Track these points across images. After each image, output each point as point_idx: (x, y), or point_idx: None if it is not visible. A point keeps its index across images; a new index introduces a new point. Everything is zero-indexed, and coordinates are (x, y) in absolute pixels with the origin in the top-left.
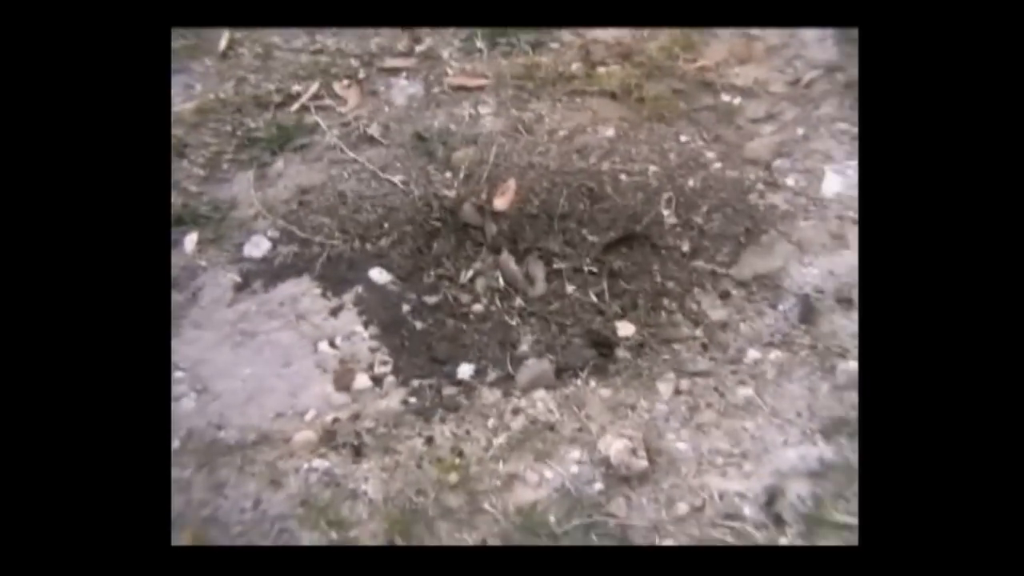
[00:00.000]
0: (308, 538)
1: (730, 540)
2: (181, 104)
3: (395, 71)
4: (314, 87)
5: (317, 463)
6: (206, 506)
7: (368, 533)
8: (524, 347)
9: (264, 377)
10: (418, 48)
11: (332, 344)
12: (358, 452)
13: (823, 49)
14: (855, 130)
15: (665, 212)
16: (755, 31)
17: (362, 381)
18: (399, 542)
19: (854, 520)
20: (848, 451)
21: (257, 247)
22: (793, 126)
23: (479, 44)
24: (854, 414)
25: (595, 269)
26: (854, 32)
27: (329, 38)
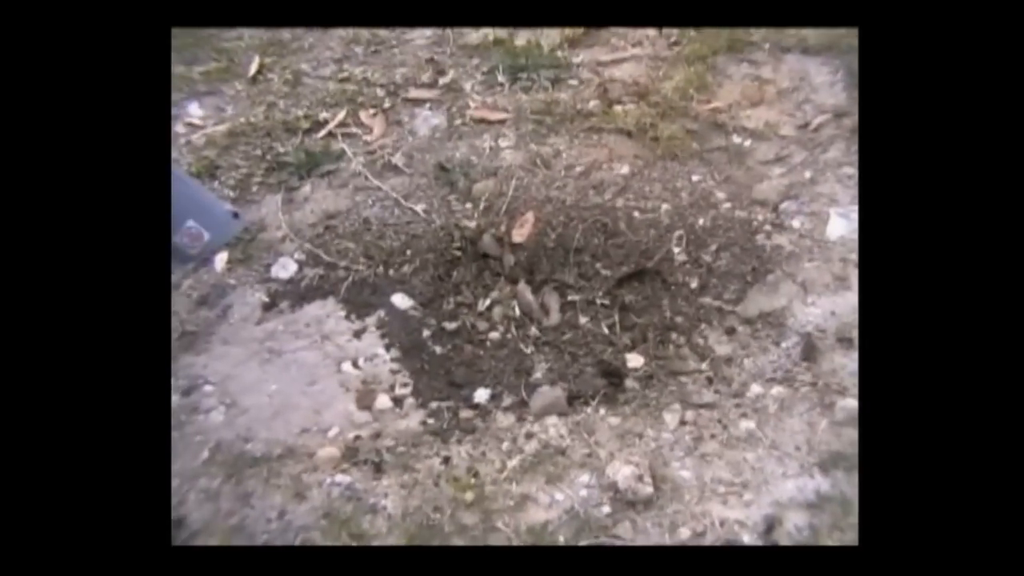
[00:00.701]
0: None
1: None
2: (213, 127)
3: (419, 102)
4: (341, 115)
5: (340, 478)
6: (233, 515)
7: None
8: (538, 374)
9: (290, 394)
10: (441, 80)
11: (355, 365)
12: (378, 469)
13: (832, 94)
14: None
15: (676, 249)
16: (767, 74)
17: (383, 401)
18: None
19: None
20: (844, 485)
21: (284, 268)
22: (801, 169)
23: (500, 78)
24: (852, 450)
25: (607, 302)
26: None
27: (356, 67)
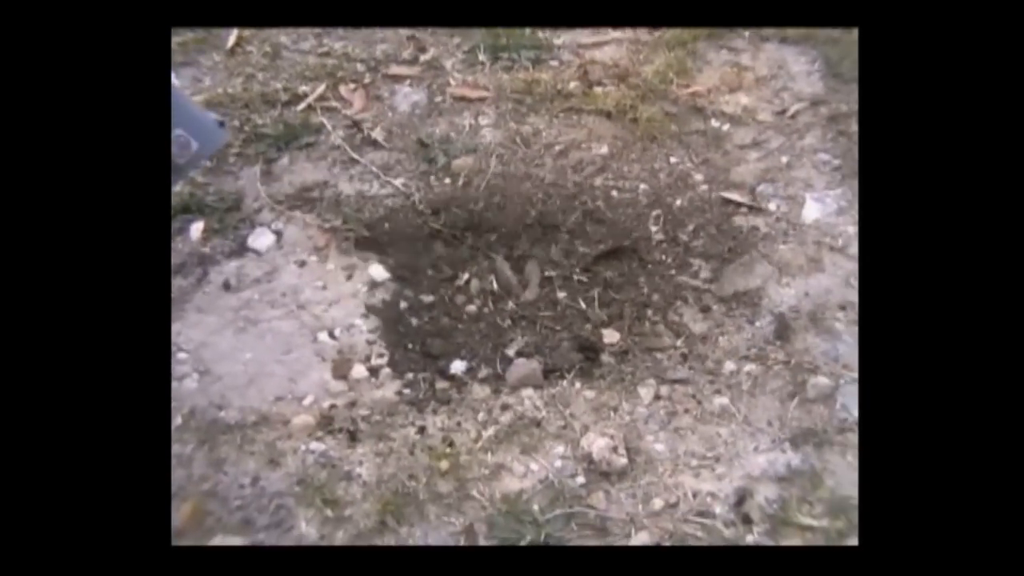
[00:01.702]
0: (304, 515)
1: (701, 535)
2: (190, 96)
3: (400, 78)
4: (320, 88)
5: (314, 445)
6: (207, 481)
7: (362, 513)
8: (514, 348)
9: (264, 363)
10: (422, 57)
11: (331, 335)
12: (353, 437)
13: (809, 83)
14: (836, 161)
15: (653, 228)
16: (746, 62)
17: (359, 371)
18: (391, 522)
19: (816, 523)
20: (814, 459)
21: (261, 238)
22: (778, 154)
23: (481, 57)
24: (822, 425)
25: (585, 278)
26: (840, 68)
27: (336, 42)
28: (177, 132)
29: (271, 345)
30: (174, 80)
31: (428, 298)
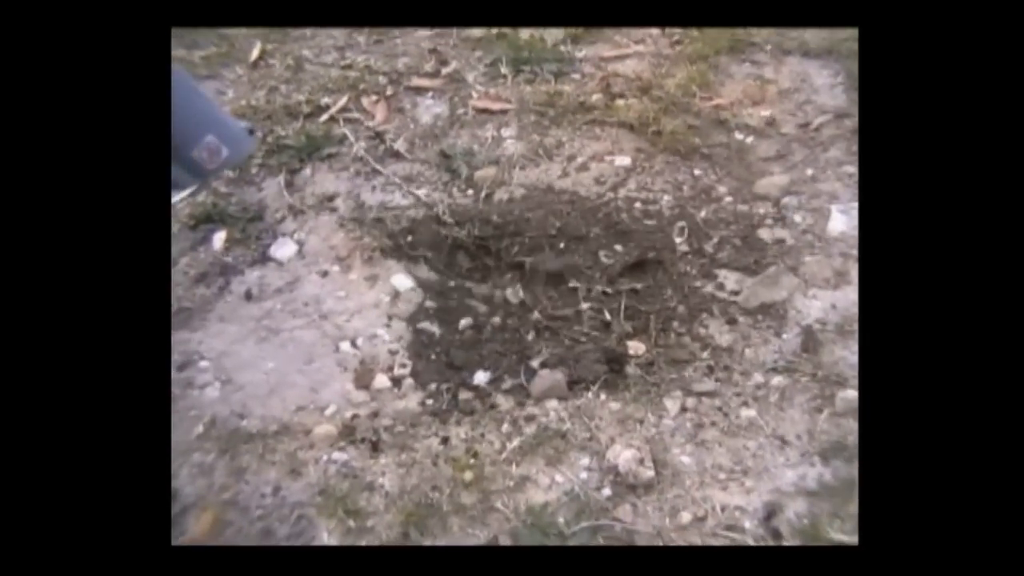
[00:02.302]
0: (326, 525)
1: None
2: None
3: (422, 90)
4: (343, 100)
5: (336, 455)
6: (227, 490)
7: (384, 524)
8: (539, 359)
9: (286, 372)
10: (444, 70)
11: (354, 345)
12: (376, 448)
13: (832, 96)
14: None
15: (677, 240)
16: (769, 75)
17: (381, 381)
18: (414, 534)
19: (848, 539)
20: (844, 474)
21: (283, 248)
22: (802, 167)
23: (503, 70)
24: (852, 439)
25: (609, 290)
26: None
27: (358, 55)
28: (208, 138)
29: (293, 355)
30: (198, 85)
31: (452, 308)
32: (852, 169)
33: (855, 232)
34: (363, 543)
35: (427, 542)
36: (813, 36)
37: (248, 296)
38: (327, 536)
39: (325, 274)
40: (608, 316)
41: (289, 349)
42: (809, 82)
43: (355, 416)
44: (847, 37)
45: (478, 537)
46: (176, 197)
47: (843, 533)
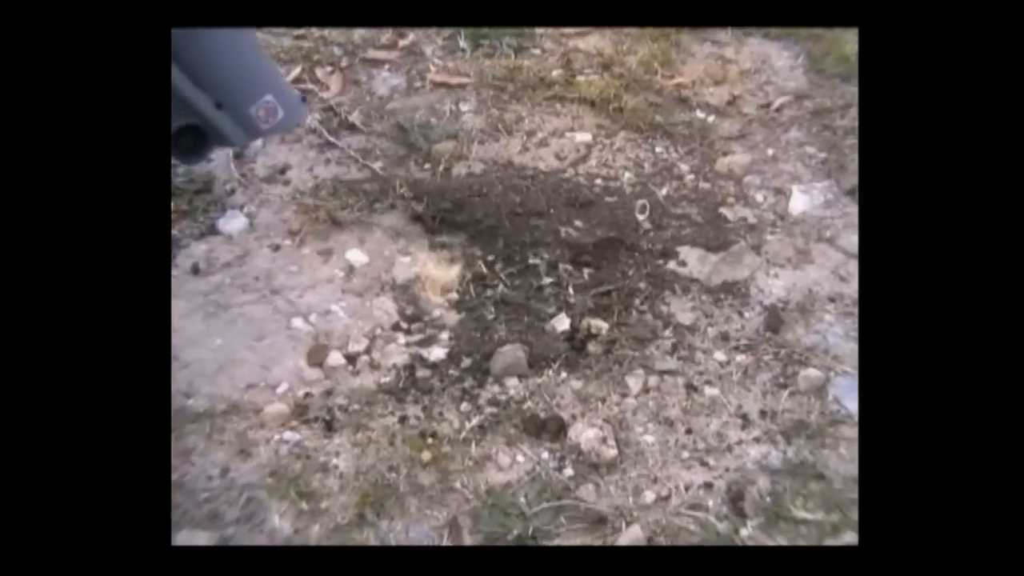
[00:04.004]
0: (277, 508)
1: (693, 528)
2: None
3: (378, 63)
4: (296, 71)
5: (288, 435)
6: (173, 472)
7: (339, 506)
8: (498, 336)
9: (236, 349)
10: (401, 42)
11: (306, 320)
12: (330, 427)
13: (792, 77)
14: (821, 155)
15: (640, 217)
16: (730, 55)
17: (336, 358)
18: (370, 515)
19: (811, 516)
20: (806, 452)
21: (232, 221)
22: (763, 146)
23: (462, 44)
24: (814, 417)
25: (570, 267)
26: (823, 63)
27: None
28: (267, 97)
29: (242, 331)
30: (260, 45)
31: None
32: (812, 150)
33: (816, 212)
34: (316, 526)
35: (383, 524)
36: None
37: (195, 270)
38: (278, 519)
39: (277, 248)
40: (571, 292)
41: (239, 325)
42: (769, 63)
43: (308, 394)
44: None
45: (437, 519)
46: (218, 152)
47: (806, 511)
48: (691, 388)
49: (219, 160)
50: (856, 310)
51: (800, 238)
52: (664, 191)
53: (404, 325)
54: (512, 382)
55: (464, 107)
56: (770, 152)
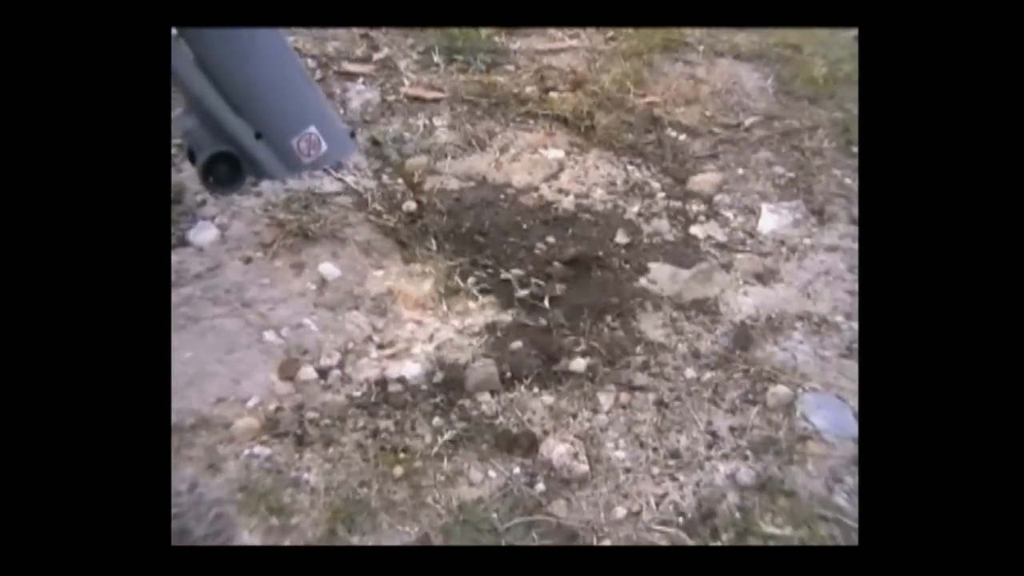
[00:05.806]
0: (247, 524)
1: (665, 544)
2: None
3: (352, 76)
4: None
5: (258, 450)
6: None
7: (310, 521)
8: (471, 352)
9: (206, 362)
10: (375, 56)
11: (278, 334)
12: (301, 441)
13: (763, 98)
14: (790, 174)
15: (611, 235)
16: (701, 74)
17: (307, 372)
18: (342, 531)
19: (780, 531)
20: (775, 468)
21: (203, 233)
22: (734, 166)
23: (436, 59)
24: (782, 434)
25: (541, 282)
26: (792, 85)
27: (287, 37)
28: (311, 129)
29: (213, 344)
30: (308, 74)
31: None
32: (781, 170)
33: (785, 230)
34: (287, 542)
35: (355, 540)
36: (744, 39)
37: None
38: (248, 535)
39: (248, 260)
40: (543, 308)
41: (209, 338)
42: (740, 84)
43: (279, 409)
44: (777, 42)
45: (409, 534)
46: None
47: (775, 527)
48: (662, 404)
49: (189, 170)
50: (823, 329)
51: (769, 257)
52: (636, 208)
53: (376, 339)
54: (484, 397)
55: (438, 122)
56: (740, 171)
